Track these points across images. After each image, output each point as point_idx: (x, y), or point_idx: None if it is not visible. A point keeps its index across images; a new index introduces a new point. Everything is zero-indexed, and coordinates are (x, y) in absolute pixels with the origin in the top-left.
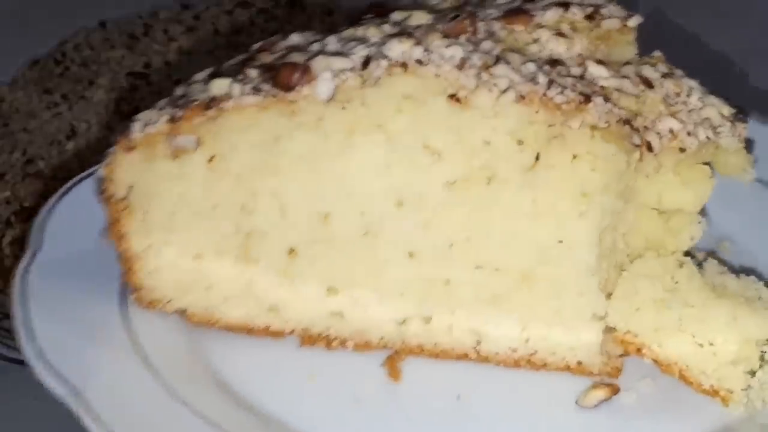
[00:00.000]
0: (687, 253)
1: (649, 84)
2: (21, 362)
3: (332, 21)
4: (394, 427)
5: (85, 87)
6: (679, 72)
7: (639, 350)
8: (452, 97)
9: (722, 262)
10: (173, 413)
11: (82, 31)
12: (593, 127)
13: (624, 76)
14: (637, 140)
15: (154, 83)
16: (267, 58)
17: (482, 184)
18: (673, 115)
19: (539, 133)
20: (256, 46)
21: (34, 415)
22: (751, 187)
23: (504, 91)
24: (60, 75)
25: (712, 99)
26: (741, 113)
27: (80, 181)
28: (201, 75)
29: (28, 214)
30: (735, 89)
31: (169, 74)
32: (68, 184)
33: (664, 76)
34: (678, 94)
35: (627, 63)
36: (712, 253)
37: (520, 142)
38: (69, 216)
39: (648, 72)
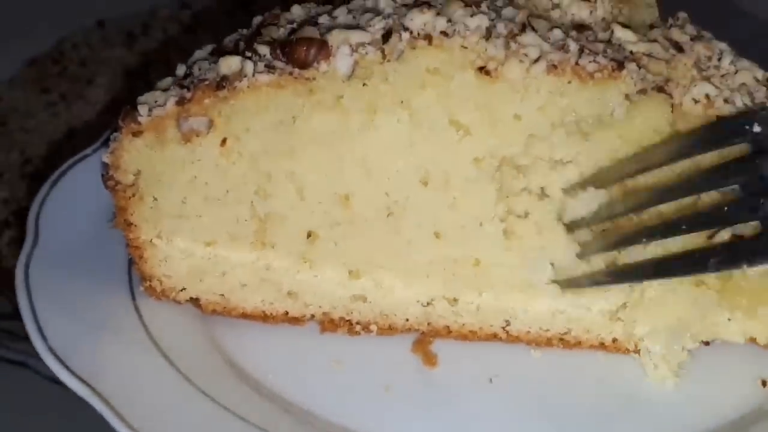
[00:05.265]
0: None
1: (679, 48)
2: (21, 363)
3: None
4: (427, 413)
5: (84, 86)
6: (707, 34)
7: None
8: (481, 69)
9: None
10: (195, 406)
11: (80, 30)
12: (627, 96)
13: (653, 41)
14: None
15: (153, 82)
16: (275, 32)
17: (511, 162)
18: (707, 80)
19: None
20: (257, 19)
21: (34, 416)
22: None
23: (535, 61)
24: (58, 74)
25: (745, 62)
26: None
27: (71, 167)
28: (202, 53)
29: (26, 214)
30: (763, 49)
31: (169, 73)
32: (58, 171)
33: (693, 39)
34: (709, 58)
35: (652, 26)
36: None
37: (553, 126)
38: (64, 204)
39: (677, 35)
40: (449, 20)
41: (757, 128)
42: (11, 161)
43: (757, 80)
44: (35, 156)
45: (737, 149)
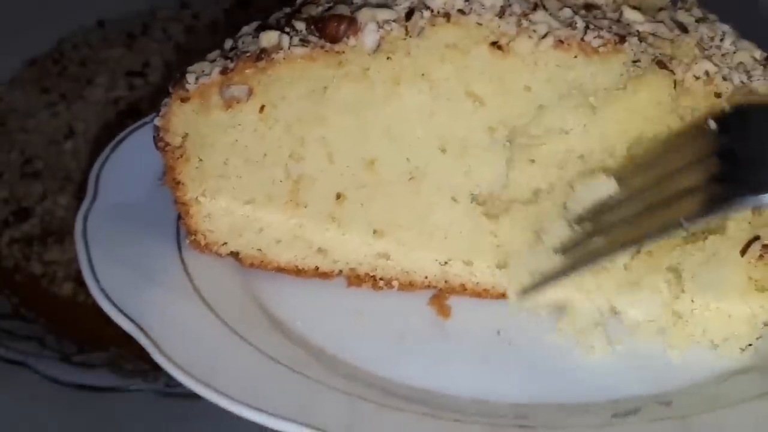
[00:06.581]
0: None
1: (683, 28)
2: (20, 363)
3: None
4: (436, 360)
5: (84, 86)
6: (712, 16)
7: None
8: (494, 44)
9: None
10: (230, 346)
11: (80, 30)
12: (629, 69)
13: (659, 21)
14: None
15: (153, 82)
16: (313, 10)
17: (523, 131)
18: (708, 58)
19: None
20: None
21: (33, 415)
22: None
23: (543, 37)
24: (58, 74)
25: (745, 43)
26: None
27: (132, 132)
28: (248, 28)
29: (26, 214)
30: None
31: (168, 73)
32: (120, 135)
33: (699, 20)
34: (712, 38)
35: (661, 9)
36: None
37: (561, 97)
38: (122, 165)
39: (683, 17)
40: (467, 0)
41: None
42: (11, 161)
43: (755, 59)
44: (35, 156)
45: None
